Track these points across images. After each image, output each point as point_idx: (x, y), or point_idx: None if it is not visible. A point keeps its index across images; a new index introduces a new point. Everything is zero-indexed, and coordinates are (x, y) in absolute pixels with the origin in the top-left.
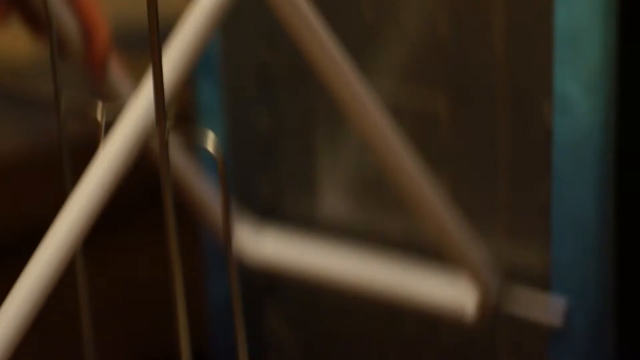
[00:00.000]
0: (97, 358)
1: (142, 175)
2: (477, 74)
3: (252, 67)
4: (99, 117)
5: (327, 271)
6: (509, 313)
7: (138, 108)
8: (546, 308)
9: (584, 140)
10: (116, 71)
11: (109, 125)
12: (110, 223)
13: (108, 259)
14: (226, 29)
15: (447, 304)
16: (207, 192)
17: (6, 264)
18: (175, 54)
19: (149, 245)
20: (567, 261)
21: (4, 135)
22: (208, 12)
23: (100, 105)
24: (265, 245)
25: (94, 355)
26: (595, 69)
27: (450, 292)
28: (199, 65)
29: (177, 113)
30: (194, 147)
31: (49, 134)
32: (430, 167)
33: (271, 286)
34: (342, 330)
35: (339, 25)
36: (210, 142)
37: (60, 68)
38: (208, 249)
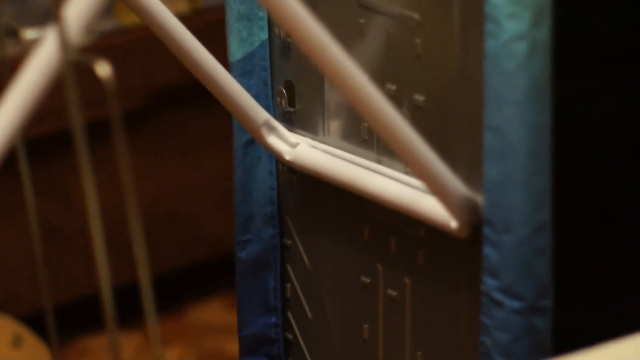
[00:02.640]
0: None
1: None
2: None
3: None
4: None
5: (349, 180)
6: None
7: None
8: None
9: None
10: None
11: None
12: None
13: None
14: None
15: (437, 218)
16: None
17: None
18: None
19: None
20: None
21: None
22: None
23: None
24: (298, 151)
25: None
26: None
27: (437, 209)
28: None
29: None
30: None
31: None
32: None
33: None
34: None
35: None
36: (105, 72)
37: None
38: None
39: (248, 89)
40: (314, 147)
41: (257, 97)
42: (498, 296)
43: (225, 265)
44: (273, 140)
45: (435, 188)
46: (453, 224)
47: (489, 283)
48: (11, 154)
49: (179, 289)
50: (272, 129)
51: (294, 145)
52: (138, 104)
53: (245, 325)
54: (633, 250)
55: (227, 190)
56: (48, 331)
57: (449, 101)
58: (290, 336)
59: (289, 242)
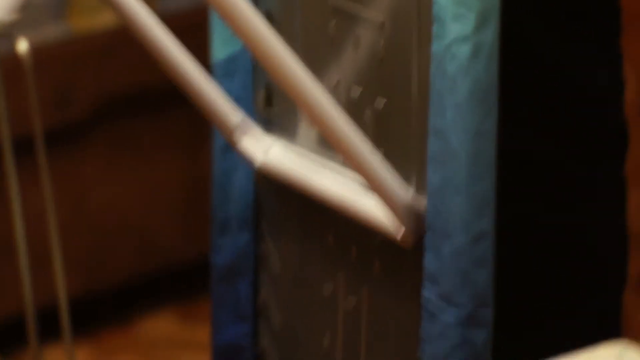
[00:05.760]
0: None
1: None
2: None
3: None
4: None
5: (307, 183)
6: None
7: None
8: None
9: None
10: None
11: None
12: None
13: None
14: None
15: (383, 224)
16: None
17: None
18: None
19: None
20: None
21: None
22: None
23: None
24: (269, 155)
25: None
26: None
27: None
28: None
29: None
30: None
31: None
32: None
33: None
34: None
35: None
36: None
37: None
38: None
39: (230, 90)
40: (285, 153)
41: (238, 99)
42: (437, 303)
43: (178, 276)
44: (247, 145)
45: (382, 196)
46: (399, 233)
47: (428, 290)
48: None
49: (130, 299)
50: (245, 132)
51: (266, 149)
52: (89, 112)
53: (218, 332)
54: (579, 264)
55: (180, 201)
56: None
57: (407, 106)
58: (262, 344)
59: (263, 247)
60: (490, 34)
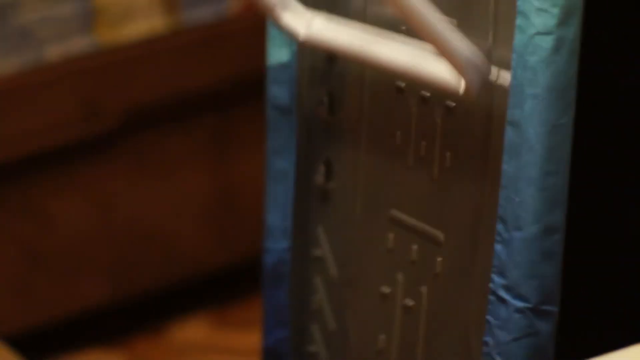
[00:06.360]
0: None
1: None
2: None
3: None
4: None
5: (359, 50)
6: None
7: None
8: None
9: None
10: None
11: None
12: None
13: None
14: None
15: (445, 80)
16: None
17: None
18: None
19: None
20: None
21: None
22: None
23: None
24: (312, 28)
25: None
26: None
27: (446, 72)
28: None
29: None
30: None
31: None
32: None
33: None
34: None
35: None
36: None
37: None
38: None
39: (279, 96)
40: (329, 24)
41: (286, 107)
42: (503, 294)
43: (208, 283)
44: (288, 19)
45: (441, 48)
46: (462, 83)
47: (496, 281)
48: None
49: (161, 307)
50: (285, 7)
51: (309, 23)
52: (117, 123)
53: (264, 336)
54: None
55: (208, 209)
56: None
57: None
58: (314, 349)
59: (319, 253)
60: (573, 30)
